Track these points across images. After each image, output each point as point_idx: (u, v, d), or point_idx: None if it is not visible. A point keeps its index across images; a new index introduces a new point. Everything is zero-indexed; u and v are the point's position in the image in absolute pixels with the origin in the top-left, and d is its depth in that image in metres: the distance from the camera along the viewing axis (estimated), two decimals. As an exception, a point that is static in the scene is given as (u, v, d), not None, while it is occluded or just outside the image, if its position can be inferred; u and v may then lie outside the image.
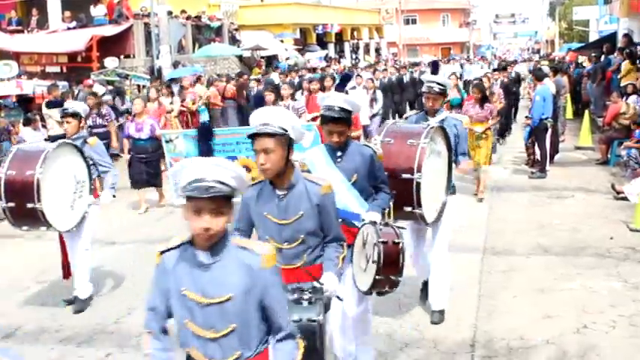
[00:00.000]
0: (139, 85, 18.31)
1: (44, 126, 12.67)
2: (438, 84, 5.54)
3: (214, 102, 16.94)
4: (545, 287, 6.27)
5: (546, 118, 11.21)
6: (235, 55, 25.32)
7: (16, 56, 19.07)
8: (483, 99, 10.14)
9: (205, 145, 9.57)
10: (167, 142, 9.78)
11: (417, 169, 4.68)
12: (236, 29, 28.25)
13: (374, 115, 14.34)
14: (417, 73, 21.37)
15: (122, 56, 20.35)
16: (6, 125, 12.19)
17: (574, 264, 6.90)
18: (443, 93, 5.57)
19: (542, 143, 11.45)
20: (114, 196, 6.48)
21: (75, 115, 6.36)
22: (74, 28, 20.76)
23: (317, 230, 3.58)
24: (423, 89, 5.59)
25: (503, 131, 14.74)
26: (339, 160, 4.23)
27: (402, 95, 18.88)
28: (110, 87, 16.64)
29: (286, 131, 3.36)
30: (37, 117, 12.49)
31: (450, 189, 5.31)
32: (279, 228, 3.56)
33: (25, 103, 14.91)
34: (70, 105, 6.72)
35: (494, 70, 16.69)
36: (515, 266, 6.92)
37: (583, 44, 29.70)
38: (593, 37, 31.73)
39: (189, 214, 2.61)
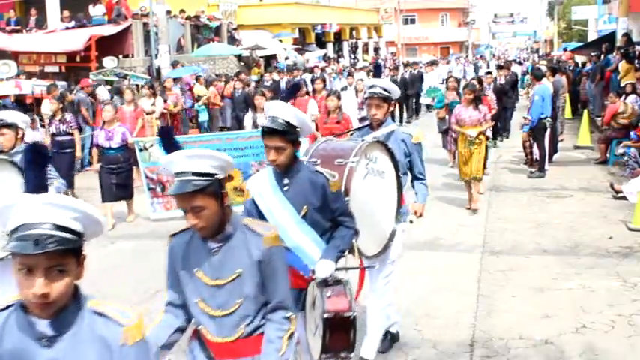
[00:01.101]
0: (137, 85, 18.29)
1: (43, 125, 12.65)
2: (383, 88, 4.65)
3: (214, 102, 16.95)
4: (544, 287, 6.28)
5: (545, 118, 11.22)
6: (234, 55, 25.33)
7: (14, 56, 19.08)
8: (476, 100, 9.34)
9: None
10: (141, 150, 9.10)
11: (344, 192, 3.86)
12: (235, 29, 28.25)
13: (364, 119, 14.04)
14: (411, 73, 21.18)
15: (121, 56, 20.34)
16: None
17: (573, 263, 6.91)
18: (388, 100, 4.65)
19: (541, 143, 11.46)
20: None
21: (10, 126, 5.43)
22: (73, 27, 20.76)
23: (258, 294, 2.80)
24: (365, 95, 4.82)
25: (495, 134, 13.98)
26: (285, 188, 3.58)
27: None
28: (109, 87, 16.62)
29: (214, 175, 2.68)
30: (36, 117, 12.48)
31: (402, 216, 4.62)
32: (211, 290, 2.79)
33: (24, 103, 14.90)
34: (5, 115, 5.72)
35: (487, 72, 16.11)
36: (514, 266, 6.93)
37: (582, 44, 29.72)
38: (592, 36, 31.76)
39: (15, 273, 1.94)
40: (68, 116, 10.84)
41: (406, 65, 23.94)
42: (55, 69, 20.60)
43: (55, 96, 13.29)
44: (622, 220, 8.38)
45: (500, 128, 14.97)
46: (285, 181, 3.59)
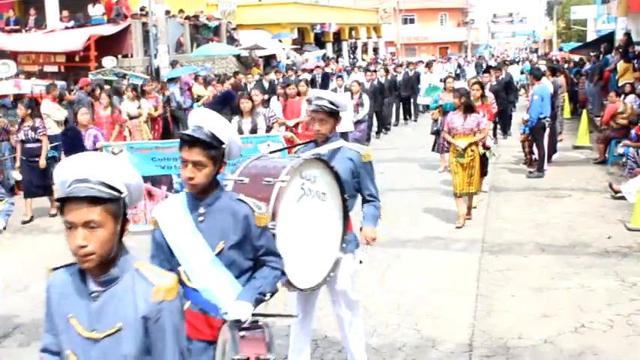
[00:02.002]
0: (142, 85, 18.29)
1: (42, 126, 12.63)
2: (329, 102, 4.18)
3: (214, 102, 16.92)
4: (543, 286, 6.28)
5: (544, 118, 11.23)
6: (233, 55, 25.34)
7: (13, 56, 19.08)
8: (468, 108, 8.40)
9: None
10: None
11: (271, 216, 3.40)
12: (234, 29, 28.26)
13: (359, 122, 13.35)
14: (406, 74, 20.51)
15: (120, 56, 20.33)
16: (5, 125, 12.16)
17: (572, 263, 6.92)
18: (334, 114, 4.19)
19: (540, 143, 11.47)
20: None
21: None
22: (72, 27, 20.76)
23: (141, 357, 2.28)
24: (309, 108, 4.42)
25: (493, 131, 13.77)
26: (200, 218, 3.05)
27: (392, 98, 18.23)
28: (108, 87, 16.62)
29: (120, 193, 2.29)
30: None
31: (349, 243, 4.15)
32: (84, 344, 2.28)
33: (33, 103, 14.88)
34: None
35: (484, 71, 15.94)
36: (513, 265, 6.94)
37: (580, 44, 29.76)
38: (591, 36, 31.82)
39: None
40: (38, 122, 10.23)
41: (399, 66, 22.90)
42: (54, 69, 20.60)
43: (55, 95, 13.32)
44: (621, 219, 8.39)
45: (501, 126, 14.97)
46: (201, 209, 3.05)
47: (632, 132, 11.25)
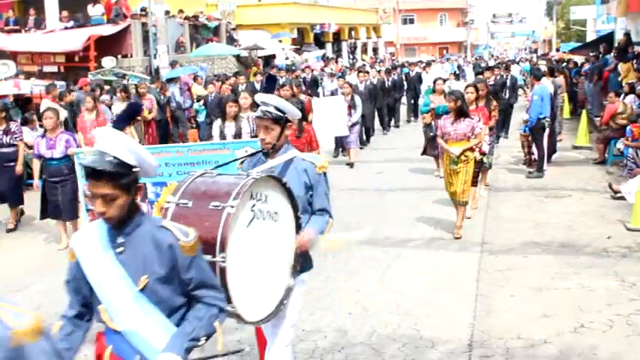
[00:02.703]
0: (136, 85, 18.29)
1: (41, 125, 12.64)
2: (275, 107, 3.78)
3: (213, 102, 16.90)
4: (542, 286, 6.29)
5: (544, 118, 11.24)
6: (233, 55, 25.35)
7: (13, 56, 19.10)
8: (461, 112, 7.90)
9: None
10: (81, 164, 7.65)
11: (219, 247, 3.12)
12: (233, 29, 28.28)
13: (353, 125, 12.97)
14: (399, 76, 20.05)
15: (120, 56, 20.35)
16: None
17: (571, 263, 6.92)
18: (280, 121, 3.77)
19: (539, 143, 11.48)
20: None
21: None
22: (71, 27, 20.77)
23: None
24: (255, 114, 4.00)
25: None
26: (119, 249, 2.73)
27: (386, 100, 17.68)
28: (107, 87, 16.62)
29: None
30: (35, 117, 12.47)
31: (306, 263, 3.83)
32: None
33: (26, 103, 14.88)
34: None
35: (479, 72, 15.78)
36: (512, 265, 6.94)
37: (580, 44, 29.79)
38: (590, 36, 31.84)
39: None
40: (13, 126, 9.68)
41: (394, 68, 22.09)
42: (54, 69, 20.62)
43: (55, 96, 13.32)
44: (620, 219, 8.39)
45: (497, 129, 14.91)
46: (120, 239, 2.73)
47: (627, 129, 11.25)
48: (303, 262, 3.75)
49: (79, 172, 7.67)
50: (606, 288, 6.19)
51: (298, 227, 3.64)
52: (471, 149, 7.96)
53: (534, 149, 11.72)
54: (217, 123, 8.65)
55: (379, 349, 5.11)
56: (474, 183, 8.80)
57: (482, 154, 8.68)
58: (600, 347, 4.98)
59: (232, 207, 3.17)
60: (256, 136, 8.42)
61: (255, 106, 9.05)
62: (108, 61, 18.89)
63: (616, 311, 5.61)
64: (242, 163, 4.01)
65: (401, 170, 12.35)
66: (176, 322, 2.76)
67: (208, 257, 3.01)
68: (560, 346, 5.04)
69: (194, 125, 16.73)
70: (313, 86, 20.39)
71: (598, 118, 14.93)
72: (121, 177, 2.63)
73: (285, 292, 3.60)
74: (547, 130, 11.50)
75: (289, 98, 10.84)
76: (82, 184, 7.63)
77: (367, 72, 17.87)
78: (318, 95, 18.48)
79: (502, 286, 6.38)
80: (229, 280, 3.12)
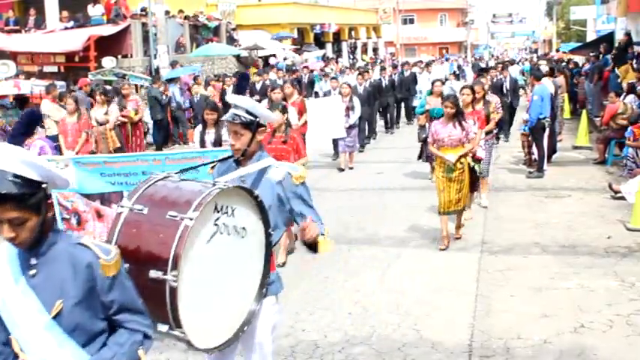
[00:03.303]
0: (136, 85, 18.30)
1: (42, 126, 12.64)
2: (246, 111, 3.49)
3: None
4: (542, 286, 6.29)
5: (544, 118, 11.24)
6: (233, 55, 25.35)
7: (13, 56, 19.10)
8: (458, 116, 7.49)
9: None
10: None
11: (172, 263, 2.76)
12: (234, 29, 28.28)
13: (351, 127, 12.51)
14: (400, 75, 19.45)
15: (120, 56, 20.35)
16: (3, 125, 12.17)
17: (571, 263, 6.92)
18: (251, 125, 3.48)
19: (539, 143, 11.48)
20: None
21: None
22: (72, 27, 20.78)
23: None
24: (225, 117, 3.64)
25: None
26: (32, 272, 2.43)
27: (383, 101, 17.17)
28: (108, 87, 16.63)
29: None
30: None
31: (274, 284, 3.51)
32: None
33: (23, 103, 14.90)
34: None
35: (479, 71, 15.51)
36: (512, 265, 6.94)
37: (580, 44, 29.80)
38: (590, 36, 31.85)
39: None
40: None
41: (394, 67, 21.36)
42: (54, 69, 20.63)
43: (55, 96, 13.32)
44: (620, 219, 8.39)
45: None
46: (33, 261, 2.43)
47: (629, 129, 11.24)
48: (272, 283, 3.44)
49: None
50: (606, 288, 6.19)
51: (269, 245, 3.26)
52: (466, 155, 7.57)
53: (534, 149, 11.72)
54: (198, 129, 8.22)
55: (379, 349, 5.11)
56: (474, 188, 8.44)
57: (478, 160, 8.14)
58: (600, 347, 4.98)
59: (191, 219, 2.80)
60: None
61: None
62: (108, 62, 18.89)
63: (616, 311, 5.61)
64: (213, 167, 3.69)
65: (401, 170, 12.35)
66: (96, 350, 2.46)
67: (158, 274, 2.74)
68: (560, 346, 5.04)
69: (194, 125, 16.74)
70: (310, 87, 20.24)
71: (598, 119, 14.94)
72: (27, 197, 2.32)
73: (247, 317, 3.21)
74: (547, 130, 11.50)
75: (281, 101, 9.99)
76: (56, 193, 7.04)
77: (367, 72, 17.43)
78: (317, 95, 18.31)
79: (502, 286, 6.38)
80: (180, 301, 2.77)
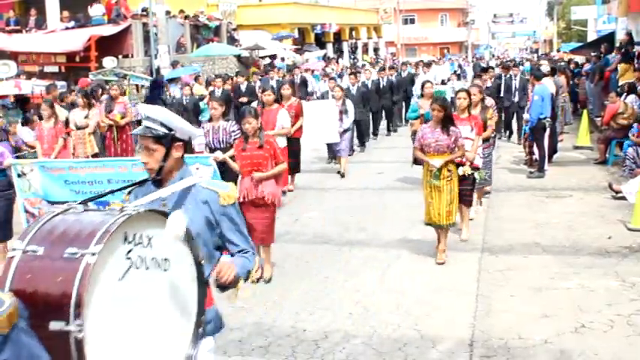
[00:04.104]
0: (137, 85, 18.32)
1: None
2: (160, 123, 3.01)
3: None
4: (542, 286, 6.28)
5: (544, 118, 11.23)
6: (233, 55, 25.37)
7: (14, 56, 19.11)
8: (447, 120, 6.91)
9: None
10: (19, 176, 6.90)
11: (74, 311, 2.27)
12: (234, 29, 28.30)
13: (345, 131, 12.06)
14: (404, 74, 18.92)
15: (120, 56, 20.36)
16: (3, 125, 12.18)
17: (572, 263, 6.92)
18: (164, 140, 3.00)
19: (540, 143, 11.47)
20: None
21: None
22: (72, 27, 20.79)
23: None
24: (135, 131, 3.27)
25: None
26: None
27: (380, 103, 16.37)
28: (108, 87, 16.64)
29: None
30: (35, 117, 12.48)
31: (212, 323, 3.07)
32: None
33: (24, 103, 14.92)
34: None
35: (486, 69, 15.29)
36: (513, 265, 6.94)
37: (581, 44, 29.81)
38: (591, 36, 31.85)
39: None
40: None
41: (392, 68, 20.33)
42: (55, 69, 20.65)
43: (55, 96, 13.32)
44: (621, 219, 8.38)
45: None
46: None
47: (634, 127, 11.23)
48: (209, 322, 3.01)
49: (18, 186, 6.85)
50: (606, 288, 6.19)
51: (200, 276, 2.82)
52: (454, 162, 6.99)
53: (535, 149, 11.72)
54: None
55: (380, 349, 5.11)
56: (469, 202, 7.96)
57: (476, 168, 7.65)
58: (601, 347, 4.97)
59: (93, 254, 2.34)
60: (215, 150, 7.58)
61: (222, 115, 8.11)
62: (109, 62, 18.90)
63: (616, 311, 5.61)
64: (130, 193, 3.20)
65: (401, 170, 12.33)
66: None
67: (60, 325, 2.27)
68: (560, 346, 5.04)
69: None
70: (304, 87, 19.79)
71: (599, 118, 14.93)
72: None
73: None
74: (548, 130, 11.50)
75: (271, 104, 9.65)
76: (22, 199, 6.90)
77: (359, 73, 16.66)
78: (310, 95, 18.04)
79: (502, 286, 6.38)
80: (90, 355, 2.30)
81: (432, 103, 7.17)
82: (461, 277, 6.63)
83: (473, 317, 5.64)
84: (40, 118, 10.74)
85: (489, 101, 9.55)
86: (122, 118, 12.19)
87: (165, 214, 2.66)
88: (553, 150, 12.35)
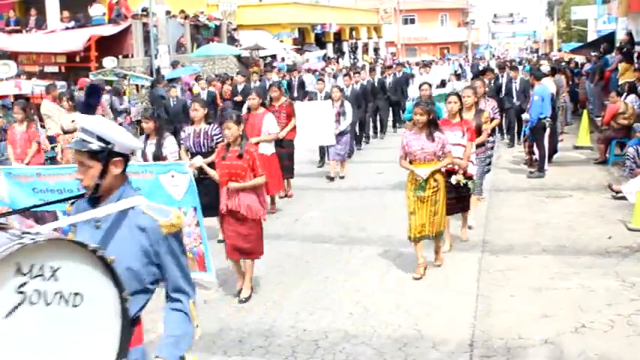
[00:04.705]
0: (137, 85, 18.32)
1: (42, 126, 12.66)
2: (97, 137, 2.67)
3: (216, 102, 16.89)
4: (543, 286, 6.28)
5: (544, 118, 11.23)
6: (234, 55, 25.37)
7: (14, 56, 19.11)
8: (431, 126, 6.43)
9: None
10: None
11: None
12: (234, 29, 28.30)
13: (342, 134, 11.74)
14: (399, 74, 18.27)
15: (120, 56, 20.36)
16: (4, 125, 12.18)
17: (572, 263, 6.92)
18: (98, 154, 2.67)
19: (540, 143, 11.47)
20: None
21: None
22: (72, 27, 20.78)
23: None
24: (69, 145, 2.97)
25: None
26: None
27: (376, 104, 16.02)
28: (108, 87, 16.64)
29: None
30: (36, 117, 12.47)
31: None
32: None
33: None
34: None
35: (485, 69, 15.14)
36: (513, 265, 6.94)
37: (581, 44, 29.81)
38: (591, 36, 31.86)
39: None
40: None
41: (389, 67, 19.64)
42: (55, 69, 20.64)
43: (55, 96, 13.32)
44: (621, 219, 8.38)
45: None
46: None
47: (637, 125, 11.21)
48: None
49: None
50: (607, 288, 6.19)
51: (125, 313, 2.44)
52: (440, 171, 6.54)
53: (535, 149, 11.72)
54: (140, 140, 7.07)
55: (380, 349, 5.10)
56: (467, 207, 7.66)
57: (469, 177, 7.25)
58: (601, 347, 4.97)
59: None
60: (196, 155, 7.33)
61: (205, 118, 7.66)
62: (109, 62, 18.90)
63: (616, 311, 5.60)
64: (73, 204, 2.90)
65: (401, 170, 12.27)
66: None
67: None
68: (560, 346, 5.04)
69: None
70: (301, 88, 19.70)
71: (599, 118, 14.93)
72: None
73: None
74: (548, 130, 11.50)
75: (256, 109, 9.00)
76: None
77: (358, 73, 16.10)
78: (310, 98, 17.96)
79: (502, 286, 6.38)
80: None
81: (414, 107, 6.63)
82: (461, 277, 6.63)
83: (473, 317, 5.64)
84: (41, 119, 10.75)
85: (491, 103, 9.23)
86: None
87: (81, 244, 2.30)
88: (553, 150, 12.35)
